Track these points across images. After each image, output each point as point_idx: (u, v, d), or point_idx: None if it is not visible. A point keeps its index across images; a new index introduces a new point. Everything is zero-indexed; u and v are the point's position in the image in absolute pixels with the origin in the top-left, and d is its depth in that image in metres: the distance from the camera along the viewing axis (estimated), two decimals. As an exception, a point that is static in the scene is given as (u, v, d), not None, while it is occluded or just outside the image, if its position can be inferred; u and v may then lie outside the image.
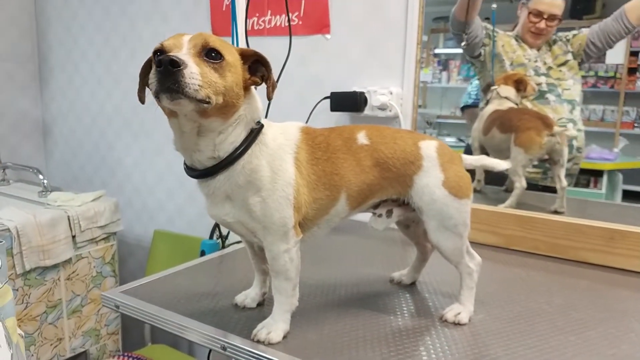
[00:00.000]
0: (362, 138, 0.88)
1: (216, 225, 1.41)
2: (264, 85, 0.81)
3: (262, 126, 0.81)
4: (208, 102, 0.70)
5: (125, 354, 1.82)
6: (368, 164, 0.87)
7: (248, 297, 0.96)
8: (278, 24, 1.77)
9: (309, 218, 0.84)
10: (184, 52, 0.71)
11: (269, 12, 1.77)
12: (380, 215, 0.95)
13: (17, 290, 1.63)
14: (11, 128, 2.51)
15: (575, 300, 1.03)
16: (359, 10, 1.59)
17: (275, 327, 0.83)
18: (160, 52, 0.73)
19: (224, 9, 1.87)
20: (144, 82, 0.81)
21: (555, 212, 1.41)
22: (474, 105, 1.62)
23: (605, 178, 1.48)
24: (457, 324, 0.90)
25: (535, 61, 1.48)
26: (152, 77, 0.68)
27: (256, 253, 0.95)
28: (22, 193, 2.02)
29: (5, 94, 2.47)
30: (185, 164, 0.82)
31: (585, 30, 1.42)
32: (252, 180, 0.78)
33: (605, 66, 1.45)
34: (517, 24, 1.51)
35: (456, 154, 0.93)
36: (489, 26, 1.50)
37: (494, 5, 1.50)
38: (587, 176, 1.48)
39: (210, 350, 1.36)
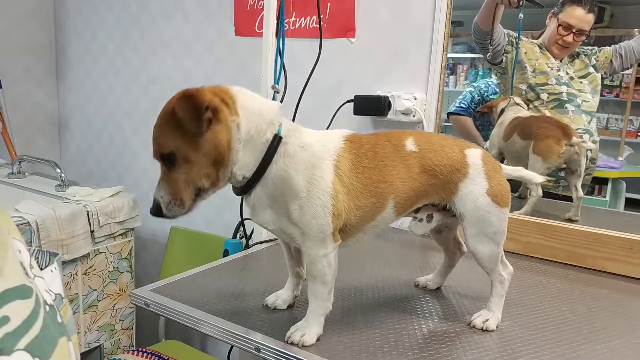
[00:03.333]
0: (410, 145, 0.89)
1: (239, 225, 1.42)
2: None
3: (279, 139, 0.81)
4: (202, 194, 0.81)
5: (140, 349, 1.84)
6: (416, 171, 0.88)
7: (279, 298, 0.98)
8: (302, 26, 1.78)
9: (352, 224, 0.86)
10: (160, 177, 0.79)
11: (294, 14, 1.79)
12: (420, 220, 0.97)
13: (37, 283, 1.64)
14: (27, 121, 2.53)
15: (598, 309, 1.04)
16: (385, 14, 1.60)
17: (309, 329, 0.84)
18: None
19: (247, 8, 1.88)
20: None
21: (569, 220, 1.43)
22: (459, 113, 1.64)
23: (609, 186, 1.50)
24: (485, 330, 0.91)
25: (558, 70, 1.49)
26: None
27: (292, 255, 0.97)
28: (38, 186, 2.04)
29: (22, 86, 2.49)
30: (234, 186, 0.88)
31: (608, 48, 1.44)
32: (286, 190, 0.81)
33: (612, 75, 1.47)
34: (543, 32, 1.52)
35: (497, 163, 0.94)
36: (512, 33, 1.51)
37: (521, 15, 1.50)
38: (592, 184, 1.50)
39: (230, 349, 1.38)
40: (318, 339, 0.85)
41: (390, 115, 1.58)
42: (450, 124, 1.70)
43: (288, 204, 0.81)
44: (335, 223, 0.82)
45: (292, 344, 0.83)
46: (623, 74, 1.46)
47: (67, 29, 2.54)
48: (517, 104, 1.55)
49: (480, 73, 1.68)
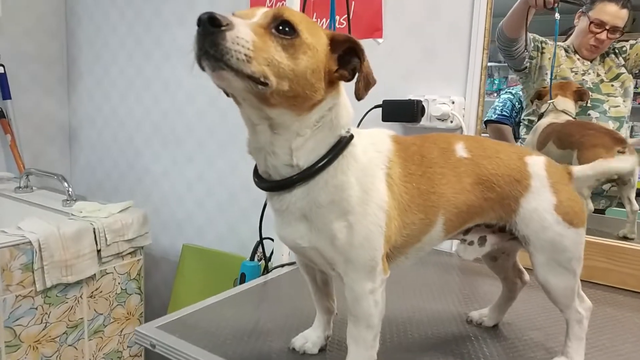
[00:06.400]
0: (461, 150, 0.74)
1: (258, 245, 1.27)
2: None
3: (352, 136, 0.66)
4: (264, 84, 0.56)
5: (149, 378, 1.69)
6: (469, 181, 0.72)
7: (308, 340, 0.81)
8: (324, 27, 1.64)
9: (397, 246, 0.70)
10: (249, 21, 0.57)
11: (314, 14, 1.64)
12: (471, 243, 0.80)
13: (37, 309, 1.50)
14: (36, 132, 2.42)
15: (696, 354, 0.85)
16: (416, 11, 1.45)
17: None
18: None
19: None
20: None
21: (625, 239, 1.25)
22: (499, 121, 1.49)
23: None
24: (565, 385, 0.74)
25: (583, 74, 1.37)
26: (193, 39, 0.55)
27: (319, 288, 0.81)
28: (45, 201, 1.91)
29: (31, 96, 2.38)
30: (255, 173, 0.68)
31: None
32: (337, 200, 0.64)
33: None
34: (570, 34, 1.39)
35: (565, 172, 0.78)
36: (538, 37, 1.39)
37: (558, 16, 1.36)
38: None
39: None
40: (360, 397, 0.68)
41: (424, 121, 1.42)
42: (486, 134, 1.55)
43: (335, 220, 0.64)
44: (385, 248, 0.66)
45: (327, 403, 0.66)
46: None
47: (78, 37, 2.44)
48: (561, 111, 1.39)
49: (496, 82, 1.56)
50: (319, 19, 1.65)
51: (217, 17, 0.52)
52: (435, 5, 1.41)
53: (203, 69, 0.56)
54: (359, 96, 0.64)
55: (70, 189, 1.87)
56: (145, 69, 2.18)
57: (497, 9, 1.35)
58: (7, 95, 2.24)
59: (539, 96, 1.43)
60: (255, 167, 0.69)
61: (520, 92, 1.48)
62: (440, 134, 0.77)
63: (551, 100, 1.40)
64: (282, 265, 1.22)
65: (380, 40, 1.52)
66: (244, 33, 0.54)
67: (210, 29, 0.52)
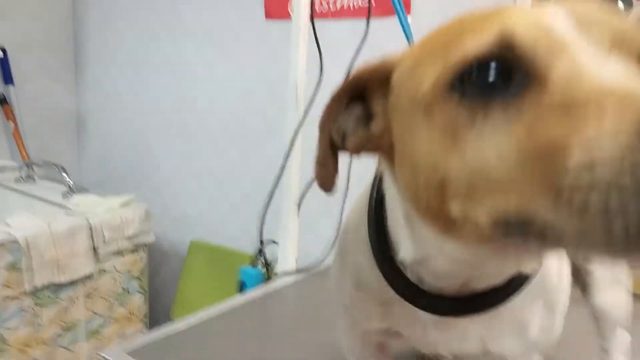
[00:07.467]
0: None
1: (260, 251, 1.11)
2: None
3: None
4: None
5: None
6: None
7: None
8: (345, 5, 1.47)
9: None
10: (616, 67, 0.26)
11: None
12: None
13: (26, 311, 1.39)
14: (43, 121, 2.30)
15: None
16: (450, -18, 1.26)
17: None
18: (497, 59, 0.29)
19: (279, -14, 1.58)
20: (330, 143, 0.41)
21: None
22: None
23: None
24: None
25: None
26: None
27: None
28: (45, 193, 1.80)
29: (37, 83, 2.26)
30: (406, 285, 0.42)
31: None
32: (540, 284, 0.44)
33: None
34: None
35: None
36: None
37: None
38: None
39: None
40: None
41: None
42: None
43: (527, 305, 0.44)
44: None
45: None
46: None
47: (86, 20, 2.31)
48: None
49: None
50: None
51: None
52: (471, -25, 1.22)
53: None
54: None
55: (70, 181, 1.75)
56: (153, 54, 2.04)
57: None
58: (8, 80, 2.12)
59: None
60: (401, 274, 0.42)
61: None
62: None
63: None
64: (288, 274, 1.06)
65: (408, 17, 1.33)
66: None
67: None
